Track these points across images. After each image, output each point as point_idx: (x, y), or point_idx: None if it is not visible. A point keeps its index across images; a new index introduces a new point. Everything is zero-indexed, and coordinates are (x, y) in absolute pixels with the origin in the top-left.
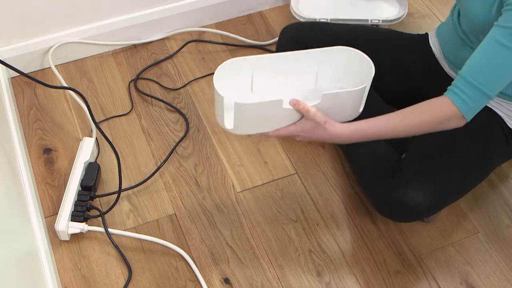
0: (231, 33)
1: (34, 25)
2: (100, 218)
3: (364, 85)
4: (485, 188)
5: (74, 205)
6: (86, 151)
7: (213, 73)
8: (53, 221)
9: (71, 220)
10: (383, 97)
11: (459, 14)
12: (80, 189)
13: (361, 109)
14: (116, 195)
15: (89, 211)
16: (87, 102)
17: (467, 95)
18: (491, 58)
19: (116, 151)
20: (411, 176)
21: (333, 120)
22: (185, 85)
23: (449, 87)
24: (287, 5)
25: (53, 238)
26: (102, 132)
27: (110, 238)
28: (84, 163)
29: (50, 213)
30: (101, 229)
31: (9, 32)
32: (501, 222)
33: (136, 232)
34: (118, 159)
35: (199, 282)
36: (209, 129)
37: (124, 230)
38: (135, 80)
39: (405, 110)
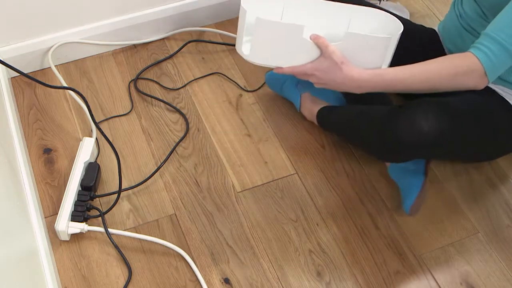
0: (231, 33)
1: (34, 25)
2: (100, 218)
3: (389, 36)
4: (485, 188)
5: (74, 205)
6: (86, 151)
7: (213, 73)
8: (53, 221)
9: (71, 220)
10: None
11: (461, 3)
12: (80, 189)
13: (383, 66)
14: (116, 195)
15: (89, 211)
16: (87, 102)
17: (490, 49)
18: None
19: (116, 151)
20: (419, 103)
21: (351, 64)
22: (185, 85)
23: (472, 44)
24: None
25: (53, 238)
26: (102, 132)
27: (110, 238)
28: (84, 163)
29: (50, 213)
30: (101, 229)
31: (9, 32)
32: (501, 222)
33: (136, 232)
34: (118, 159)
35: (199, 282)
36: (209, 129)
37: (124, 230)
38: (135, 80)
39: (427, 61)
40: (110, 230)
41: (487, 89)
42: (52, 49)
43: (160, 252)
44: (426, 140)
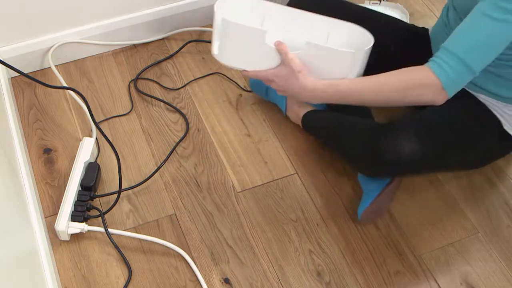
0: None
1: (34, 25)
2: (100, 218)
3: (351, 51)
4: (485, 188)
5: (74, 205)
6: (86, 151)
7: (213, 73)
8: (53, 221)
9: (71, 220)
10: None
11: (448, 10)
12: (80, 189)
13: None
14: (116, 195)
15: (89, 211)
16: (87, 102)
17: (447, 63)
18: (474, 28)
19: (116, 151)
20: (403, 125)
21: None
22: (185, 85)
23: (430, 58)
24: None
25: (53, 238)
26: (102, 132)
27: (110, 238)
28: (84, 163)
29: (50, 213)
30: (101, 229)
31: (9, 32)
32: (501, 222)
33: (136, 232)
34: (118, 159)
35: (199, 282)
36: (209, 129)
37: (124, 230)
38: (135, 80)
39: (384, 73)
40: (110, 230)
41: (472, 98)
42: (52, 49)
43: (160, 252)
44: (409, 161)
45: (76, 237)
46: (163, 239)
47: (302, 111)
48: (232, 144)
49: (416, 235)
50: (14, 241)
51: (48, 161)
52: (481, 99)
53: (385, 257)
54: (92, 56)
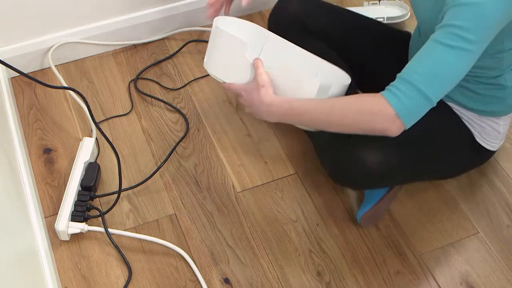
0: None
1: (34, 25)
2: (100, 218)
3: (319, 80)
4: (485, 188)
5: (74, 205)
6: (86, 151)
7: None
8: (53, 221)
9: (71, 220)
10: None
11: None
12: (80, 189)
13: None
14: (116, 195)
15: (89, 211)
16: (87, 102)
17: (401, 91)
18: (429, 56)
19: (116, 151)
20: (366, 136)
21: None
22: (185, 85)
23: (386, 87)
24: None
25: (53, 238)
26: (102, 132)
27: (110, 238)
28: (84, 163)
29: (50, 213)
30: (101, 229)
31: (9, 32)
32: (501, 222)
33: (136, 232)
34: (118, 159)
35: (199, 282)
36: (209, 129)
37: (124, 230)
38: (135, 80)
39: (340, 97)
40: (110, 230)
41: (445, 106)
42: (52, 49)
43: (160, 252)
44: (374, 174)
45: (76, 237)
46: (163, 239)
47: None
48: (232, 144)
49: (416, 235)
50: (14, 241)
51: (48, 161)
52: (454, 109)
53: (385, 257)
54: (92, 56)
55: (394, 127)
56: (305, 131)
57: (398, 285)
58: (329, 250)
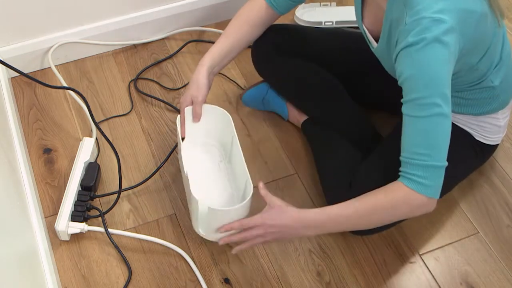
0: None
1: (34, 25)
2: (100, 218)
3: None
4: (485, 188)
5: (74, 205)
6: (86, 151)
7: None
8: (53, 221)
9: (71, 220)
10: (368, 98)
11: None
12: (80, 189)
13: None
14: (116, 195)
15: (89, 211)
16: (87, 102)
17: (419, 176)
18: (416, 132)
19: (116, 151)
20: (366, 186)
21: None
22: (185, 85)
23: (399, 173)
24: None
25: (53, 238)
26: (102, 132)
27: (110, 238)
28: (84, 163)
29: (50, 213)
30: (101, 229)
31: (9, 32)
32: (501, 222)
33: (136, 232)
34: (118, 159)
35: (199, 282)
36: None
37: (124, 230)
38: (135, 80)
39: (369, 197)
40: (110, 230)
41: None
42: (52, 49)
43: (160, 252)
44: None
45: (76, 237)
46: (163, 239)
47: (302, 118)
48: None
49: (416, 235)
50: (14, 241)
51: (48, 161)
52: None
53: (385, 257)
54: (92, 56)
55: (430, 207)
56: (305, 134)
57: (398, 285)
58: (329, 250)
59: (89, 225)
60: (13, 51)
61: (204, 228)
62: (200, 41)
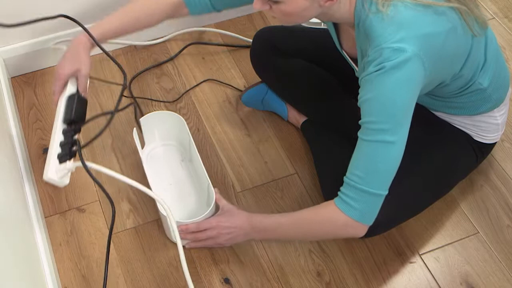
0: (231, 33)
1: (34, 25)
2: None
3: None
4: (485, 188)
5: (60, 146)
6: (70, 86)
7: (207, 80)
8: (54, 221)
9: (60, 163)
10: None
11: None
12: (65, 126)
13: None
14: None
15: (74, 146)
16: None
17: (351, 198)
18: (361, 154)
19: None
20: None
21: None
22: (186, 91)
23: (338, 192)
24: None
25: (53, 238)
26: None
27: (88, 172)
28: (66, 97)
29: (50, 213)
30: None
31: (9, 32)
32: (501, 222)
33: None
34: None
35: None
36: (209, 129)
37: (124, 230)
38: (133, 79)
39: (301, 213)
40: (88, 163)
41: (434, 121)
42: (52, 49)
43: (160, 251)
44: (376, 227)
45: (76, 237)
46: (163, 238)
47: (302, 118)
48: (232, 144)
49: (416, 235)
50: (14, 241)
51: None
52: (442, 118)
53: (385, 257)
54: (92, 56)
55: (359, 231)
56: (304, 135)
57: (398, 285)
58: (329, 250)
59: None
60: (13, 51)
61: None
62: (200, 43)
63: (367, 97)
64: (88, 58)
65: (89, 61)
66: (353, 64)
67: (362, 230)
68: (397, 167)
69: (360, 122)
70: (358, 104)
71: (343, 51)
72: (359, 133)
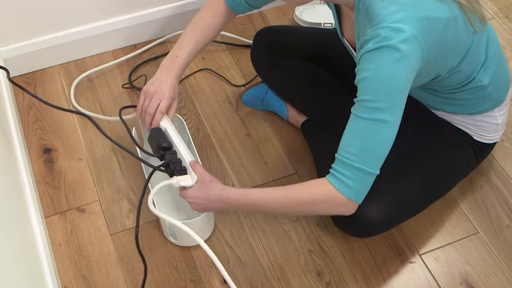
0: (231, 33)
1: (34, 25)
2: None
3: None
4: (485, 188)
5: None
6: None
7: (203, 69)
8: (53, 221)
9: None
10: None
11: None
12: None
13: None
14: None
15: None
16: (95, 123)
17: (345, 175)
18: (355, 132)
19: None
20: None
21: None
22: (181, 80)
23: (330, 169)
24: (287, 5)
25: (53, 238)
26: (105, 134)
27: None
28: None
29: (50, 213)
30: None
31: (9, 32)
32: (501, 222)
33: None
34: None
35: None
36: (209, 129)
37: (124, 230)
38: (131, 73)
39: (292, 185)
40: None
41: (433, 121)
42: (52, 49)
43: (160, 251)
44: (373, 229)
45: (76, 237)
46: (162, 238)
47: (302, 118)
48: (232, 144)
49: (416, 235)
50: (14, 241)
51: (48, 161)
52: (442, 117)
53: (385, 257)
54: (92, 56)
55: (349, 209)
56: (304, 135)
57: (398, 285)
58: (329, 250)
59: None
60: (13, 51)
61: (174, 238)
62: None
63: (364, 75)
64: (177, 96)
65: (177, 97)
66: (354, 52)
67: (353, 208)
68: (390, 148)
69: (355, 99)
70: (355, 82)
71: (344, 39)
72: (353, 110)
